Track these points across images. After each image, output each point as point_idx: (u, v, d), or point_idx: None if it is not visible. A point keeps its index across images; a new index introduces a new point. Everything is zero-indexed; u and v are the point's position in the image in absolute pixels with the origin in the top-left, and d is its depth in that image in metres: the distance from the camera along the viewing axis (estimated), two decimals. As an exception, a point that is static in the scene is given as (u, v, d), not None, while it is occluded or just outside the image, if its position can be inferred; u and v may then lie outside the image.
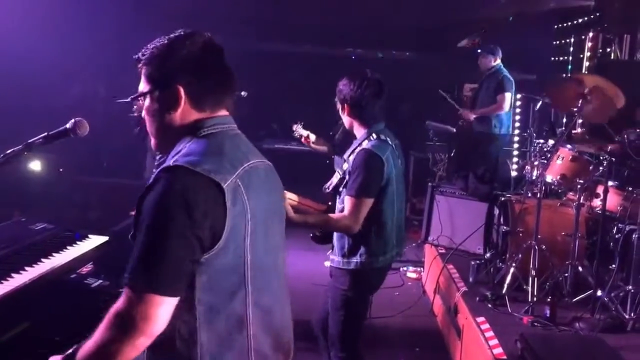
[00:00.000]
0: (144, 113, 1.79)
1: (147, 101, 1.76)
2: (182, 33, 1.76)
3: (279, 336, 1.80)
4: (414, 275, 6.37)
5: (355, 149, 3.31)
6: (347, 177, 3.28)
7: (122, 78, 5.27)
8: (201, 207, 1.55)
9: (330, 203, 3.47)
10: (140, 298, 1.51)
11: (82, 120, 2.11)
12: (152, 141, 1.82)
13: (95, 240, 2.91)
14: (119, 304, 1.55)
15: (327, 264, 3.46)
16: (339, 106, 3.43)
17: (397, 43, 10.56)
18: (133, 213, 1.63)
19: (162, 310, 1.53)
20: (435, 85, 8.37)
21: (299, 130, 6.73)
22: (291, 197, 3.33)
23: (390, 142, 3.34)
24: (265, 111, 6.81)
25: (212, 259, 1.60)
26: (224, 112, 1.79)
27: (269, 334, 1.75)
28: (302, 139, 6.55)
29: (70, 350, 1.64)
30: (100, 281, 2.60)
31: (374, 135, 3.31)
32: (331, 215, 3.34)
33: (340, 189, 3.34)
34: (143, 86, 1.77)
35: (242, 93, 6.05)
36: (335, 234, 3.38)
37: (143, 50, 1.76)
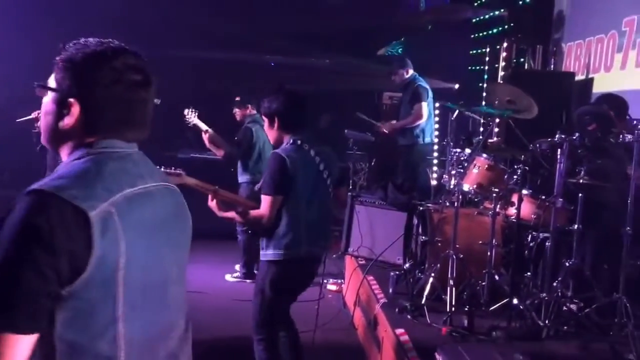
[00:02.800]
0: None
1: (48, 97, 1.64)
2: (110, 48, 1.61)
3: None
4: (334, 288, 6.28)
5: None
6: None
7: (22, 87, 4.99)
8: (59, 237, 1.40)
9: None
10: None
11: None
12: (42, 135, 1.71)
13: None
14: None
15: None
16: (265, 121, 3.83)
17: (316, 50, 10.54)
18: None
19: (17, 349, 1.38)
20: (354, 92, 8.38)
21: (193, 119, 6.62)
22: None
23: (305, 147, 3.72)
24: (180, 120, 6.60)
25: (75, 293, 1.43)
26: (122, 137, 1.65)
27: None
28: (203, 134, 6.44)
29: None
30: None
31: (291, 140, 3.71)
32: (251, 211, 3.70)
33: None
34: (50, 81, 1.65)
35: (156, 101, 5.87)
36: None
37: (71, 44, 1.63)
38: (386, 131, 7.30)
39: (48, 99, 1.65)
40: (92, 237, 1.43)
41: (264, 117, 3.83)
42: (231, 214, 3.72)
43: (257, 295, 3.78)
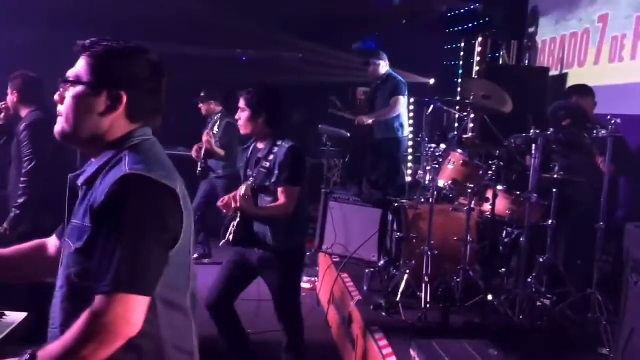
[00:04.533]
0: (63, 97, 1.79)
1: (80, 90, 1.77)
2: (139, 46, 1.83)
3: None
4: (308, 286, 6.22)
5: (272, 149, 3.78)
6: (276, 172, 3.72)
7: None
8: (166, 211, 1.69)
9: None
10: (123, 301, 1.59)
11: None
12: (62, 126, 1.80)
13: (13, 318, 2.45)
14: (98, 309, 1.58)
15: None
16: (245, 113, 3.85)
17: (289, 43, 10.45)
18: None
19: (141, 311, 1.63)
20: (328, 86, 8.30)
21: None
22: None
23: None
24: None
25: (172, 258, 1.73)
26: (152, 125, 1.88)
27: (195, 320, 1.93)
28: (205, 136, 6.39)
29: (27, 355, 1.63)
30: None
31: (282, 137, 3.83)
32: (270, 206, 3.78)
33: (267, 183, 3.77)
34: (81, 74, 1.77)
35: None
36: (258, 229, 3.81)
37: (91, 41, 1.80)
38: (364, 121, 7.23)
39: (77, 91, 1.76)
40: (181, 208, 1.74)
41: (245, 109, 3.84)
42: (258, 209, 3.81)
43: (285, 291, 3.92)
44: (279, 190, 3.75)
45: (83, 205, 1.75)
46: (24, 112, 4.56)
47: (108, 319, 1.58)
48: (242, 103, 3.87)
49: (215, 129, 6.68)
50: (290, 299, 3.98)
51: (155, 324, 1.73)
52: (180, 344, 1.83)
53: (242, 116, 3.86)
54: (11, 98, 4.63)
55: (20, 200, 4.37)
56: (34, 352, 1.63)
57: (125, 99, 1.76)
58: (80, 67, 1.79)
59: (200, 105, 6.98)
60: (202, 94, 6.97)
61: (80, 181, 1.82)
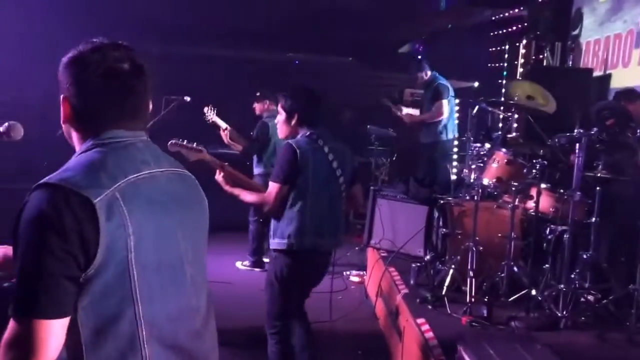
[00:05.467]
0: None
1: None
2: (91, 45, 1.68)
3: (188, 351, 1.72)
4: (356, 279, 6.42)
5: None
6: None
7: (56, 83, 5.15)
8: (70, 225, 1.48)
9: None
10: (27, 325, 1.45)
11: (15, 123, 2.07)
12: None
13: None
14: (7, 335, 1.48)
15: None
16: (282, 116, 3.87)
17: (338, 48, 10.63)
18: None
19: (52, 333, 1.47)
20: (377, 89, 8.47)
21: (213, 117, 6.84)
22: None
23: (320, 142, 3.77)
24: (199, 115, 6.80)
25: (91, 278, 1.51)
26: (122, 127, 1.71)
27: (172, 350, 1.66)
28: (222, 132, 6.63)
29: None
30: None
31: (307, 132, 3.78)
32: (255, 194, 3.81)
33: None
34: None
35: (186, 98, 6.10)
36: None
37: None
38: (406, 121, 7.41)
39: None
40: (98, 222, 1.50)
41: (282, 112, 3.87)
42: (237, 191, 3.82)
43: (268, 287, 3.85)
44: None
45: None
46: None
47: (17, 344, 1.47)
48: (279, 107, 3.93)
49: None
50: (273, 299, 3.83)
51: (79, 351, 1.53)
52: None
53: (279, 119, 3.92)
54: None
55: None
56: None
57: (68, 104, 1.69)
58: None
59: (255, 104, 7.18)
60: (258, 94, 7.17)
61: None
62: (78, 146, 1.72)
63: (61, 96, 1.70)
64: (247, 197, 3.82)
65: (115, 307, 1.55)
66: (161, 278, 1.65)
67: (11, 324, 1.48)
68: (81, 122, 1.70)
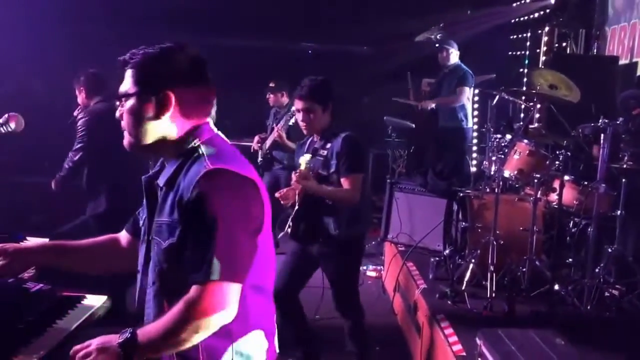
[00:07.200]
0: (122, 113, 1.87)
1: (132, 102, 1.84)
2: (173, 45, 1.87)
3: None
4: (373, 274, 6.32)
5: (329, 139, 3.79)
6: (333, 161, 3.74)
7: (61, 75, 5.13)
8: (250, 201, 1.80)
9: None
10: (218, 290, 1.67)
11: (16, 115, 2.04)
12: (127, 140, 1.89)
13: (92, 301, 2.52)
14: (194, 298, 1.67)
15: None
16: (316, 108, 3.80)
17: (355, 37, 10.50)
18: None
19: (236, 298, 1.71)
20: (393, 79, 8.33)
21: (268, 141, 6.79)
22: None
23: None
24: (218, 107, 6.70)
25: (258, 244, 1.84)
26: (208, 119, 1.94)
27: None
28: (276, 128, 6.50)
29: (127, 333, 1.70)
30: (41, 285, 2.44)
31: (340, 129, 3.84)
32: (336, 189, 3.76)
33: (327, 172, 3.78)
34: (128, 87, 1.85)
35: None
36: (322, 220, 3.79)
37: (130, 54, 1.85)
38: (427, 105, 7.21)
39: (130, 104, 1.85)
40: (261, 198, 1.85)
41: (316, 105, 3.78)
42: (317, 187, 3.77)
43: (343, 279, 3.95)
44: (342, 180, 3.73)
45: (167, 203, 1.83)
46: (91, 105, 4.90)
47: (204, 306, 1.66)
48: (306, 103, 3.84)
49: (292, 120, 6.72)
50: (349, 288, 3.99)
51: (244, 308, 1.77)
52: (265, 326, 1.92)
53: (312, 114, 3.84)
54: (81, 97, 4.95)
55: (62, 174, 4.86)
56: (134, 331, 1.71)
57: (173, 97, 1.83)
58: (126, 81, 1.87)
59: (269, 95, 7.02)
60: (272, 85, 7.00)
61: (160, 182, 1.89)
62: (174, 139, 1.90)
63: (156, 92, 1.85)
64: (336, 193, 3.76)
65: (265, 268, 1.93)
66: None
67: (204, 288, 1.67)
68: (183, 111, 1.90)
